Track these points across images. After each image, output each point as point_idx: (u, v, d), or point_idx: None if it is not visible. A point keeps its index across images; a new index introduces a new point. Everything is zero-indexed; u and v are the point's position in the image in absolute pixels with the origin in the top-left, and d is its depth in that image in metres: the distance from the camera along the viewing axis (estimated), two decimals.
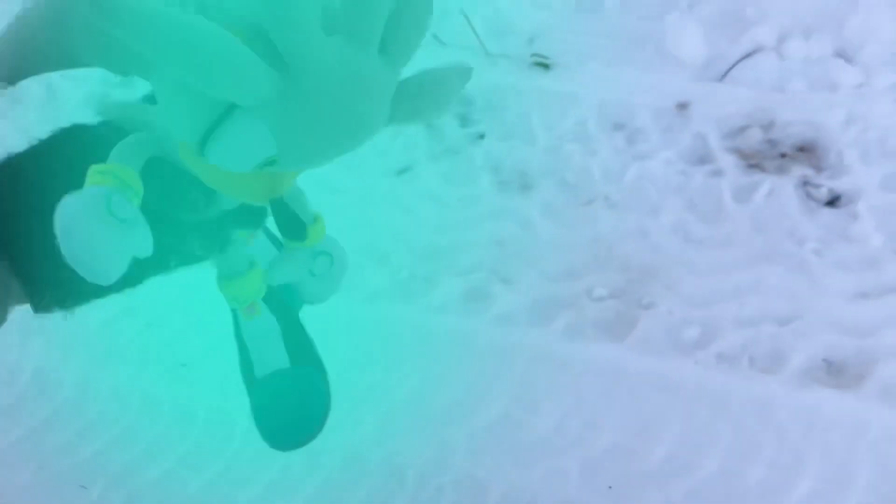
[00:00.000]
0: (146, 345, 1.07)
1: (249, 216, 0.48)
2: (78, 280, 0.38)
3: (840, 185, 1.16)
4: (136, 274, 0.44)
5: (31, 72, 0.43)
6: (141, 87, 0.44)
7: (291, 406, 0.55)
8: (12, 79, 0.42)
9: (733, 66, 1.31)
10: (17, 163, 0.47)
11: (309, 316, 0.68)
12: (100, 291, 0.47)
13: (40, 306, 0.47)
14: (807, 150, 1.21)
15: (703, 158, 1.22)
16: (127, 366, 1.05)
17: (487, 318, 1.07)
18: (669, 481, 0.91)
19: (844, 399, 0.96)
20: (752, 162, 1.21)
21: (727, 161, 1.21)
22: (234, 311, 0.57)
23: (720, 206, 1.15)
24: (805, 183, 1.18)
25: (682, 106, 1.28)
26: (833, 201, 1.15)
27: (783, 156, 1.21)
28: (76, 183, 0.39)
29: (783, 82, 1.29)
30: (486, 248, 1.14)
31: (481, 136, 1.28)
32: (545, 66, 1.35)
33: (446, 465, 0.94)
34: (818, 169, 1.19)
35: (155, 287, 0.52)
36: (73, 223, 0.37)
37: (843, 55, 1.30)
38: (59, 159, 0.46)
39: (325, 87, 0.37)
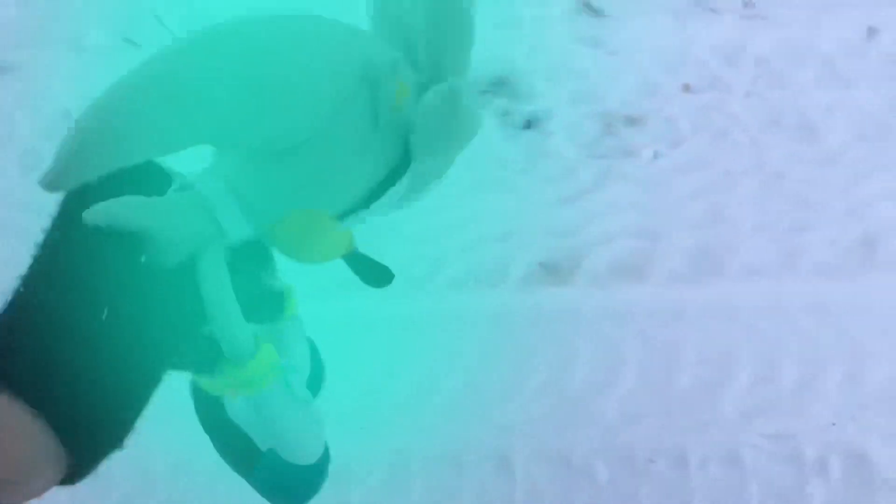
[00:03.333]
0: None
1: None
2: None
3: (534, 108, 1.26)
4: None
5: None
6: None
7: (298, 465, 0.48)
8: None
9: None
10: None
11: None
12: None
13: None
14: (501, 84, 1.31)
15: None
16: None
17: None
18: (419, 405, 0.96)
19: (562, 293, 1.05)
20: None
21: None
22: (204, 401, 0.47)
23: None
24: (504, 113, 1.27)
25: None
26: (529, 124, 1.25)
27: (483, 93, 1.30)
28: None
29: None
30: None
31: None
32: None
33: None
34: (514, 98, 1.29)
35: None
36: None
37: None
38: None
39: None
